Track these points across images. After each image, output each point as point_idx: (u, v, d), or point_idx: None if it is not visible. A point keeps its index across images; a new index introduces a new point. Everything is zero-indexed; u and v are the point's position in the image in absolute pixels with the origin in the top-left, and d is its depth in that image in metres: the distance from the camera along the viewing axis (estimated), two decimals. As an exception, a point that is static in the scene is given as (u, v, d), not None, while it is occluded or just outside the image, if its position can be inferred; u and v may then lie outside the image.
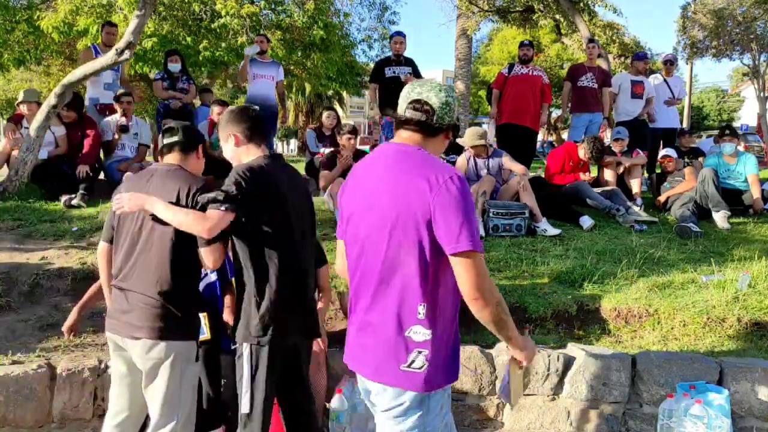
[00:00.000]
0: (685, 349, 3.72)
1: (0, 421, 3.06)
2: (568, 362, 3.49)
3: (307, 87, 24.13)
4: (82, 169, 5.75)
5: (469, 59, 14.88)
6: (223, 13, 10.88)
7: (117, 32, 7.10)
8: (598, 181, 6.48)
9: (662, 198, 6.28)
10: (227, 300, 3.10)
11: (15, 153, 5.80)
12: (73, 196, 5.52)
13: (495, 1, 12.28)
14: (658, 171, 6.83)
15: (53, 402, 3.16)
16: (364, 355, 1.86)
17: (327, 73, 13.83)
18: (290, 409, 2.67)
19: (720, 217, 5.62)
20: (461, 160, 5.86)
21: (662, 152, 6.72)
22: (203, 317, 2.81)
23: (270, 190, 2.41)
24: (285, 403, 2.67)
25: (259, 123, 2.52)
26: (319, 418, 3.29)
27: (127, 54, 5.57)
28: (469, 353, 3.52)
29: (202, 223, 2.30)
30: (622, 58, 11.95)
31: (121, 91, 6.53)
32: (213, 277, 3.13)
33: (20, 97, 6.18)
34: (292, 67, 13.56)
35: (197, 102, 7.97)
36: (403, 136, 1.91)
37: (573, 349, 3.59)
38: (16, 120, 6.05)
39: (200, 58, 11.44)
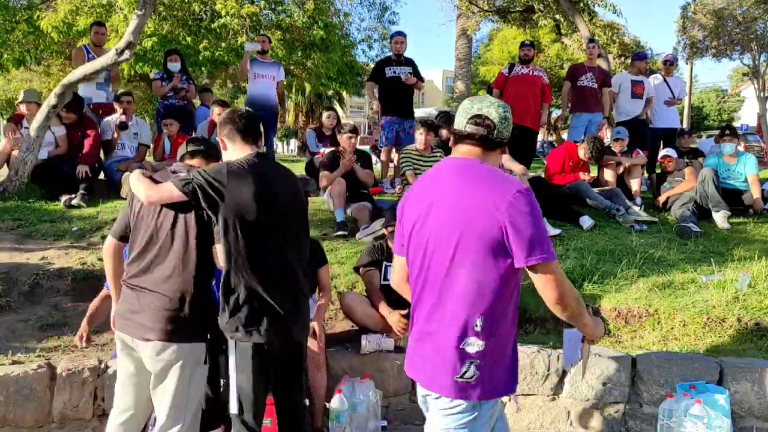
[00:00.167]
0: (685, 349, 3.72)
1: (0, 421, 3.06)
2: (568, 362, 3.49)
3: (307, 87, 24.12)
4: (82, 169, 5.75)
5: (469, 59, 14.89)
6: (223, 13, 10.89)
7: (106, 32, 7.11)
8: (598, 181, 6.48)
9: (662, 198, 6.28)
10: None
11: (15, 153, 5.81)
12: (73, 196, 5.53)
13: (495, 1, 12.29)
14: (658, 171, 6.83)
15: (53, 402, 3.16)
16: (422, 364, 1.92)
17: (327, 73, 13.84)
18: (284, 408, 2.67)
19: (720, 217, 5.62)
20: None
21: (662, 152, 6.72)
22: None
23: (250, 187, 2.38)
24: (279, 403, 2.67)
25: (245, 123, 2.52)
26: (319, 418, 3.30)
27: (127, 54, 5.57)
28: (469, 353, 3.52)
29: (149, 191, 2.44)
30: (622, 58, 11.96)
31: (121, 90, 6.54)
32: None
33: (20, 97, 6.18)
34: (292, 67, 13.56)
35: (197, 102, 7.97)
36: (462, 150, 1.96)
37: (573, 349, 3.58)
38: (16, 120, 6.05)
39: (200, 58, 11.44)
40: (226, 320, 2.40)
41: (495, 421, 1.99)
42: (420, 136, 5.85)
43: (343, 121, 7.43)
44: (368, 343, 3.49)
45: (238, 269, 2.38)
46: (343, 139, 5.58)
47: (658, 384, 3.39)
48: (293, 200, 2.56)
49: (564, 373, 3.49)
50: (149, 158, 6.73)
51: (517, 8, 12.21)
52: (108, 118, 6.42)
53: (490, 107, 1.92)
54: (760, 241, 5.29)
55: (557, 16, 11.83)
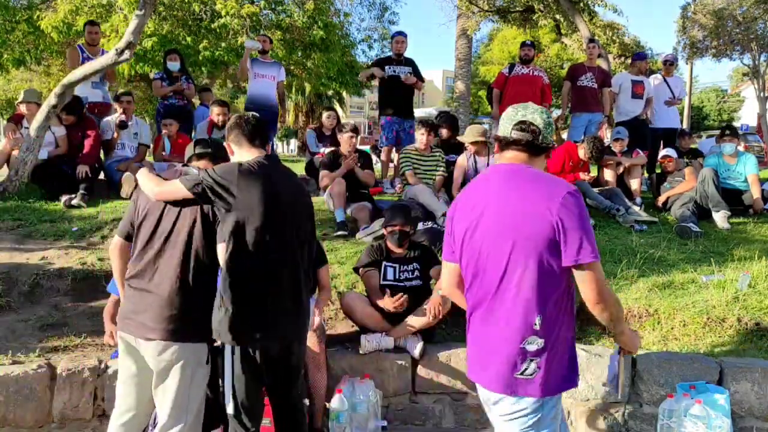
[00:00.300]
0: (685, 349, 3.72)
1: (0, 421, 3.06)
2: (568, 362, 3.49)
3: (307, 87, 24.11)
4: (83, 170, 5.74)
5: (469, 59, 14.86)
6: (223, 13, 10.89)
7: (99, 31, 7.11)
8: (598, 181, 6.48)
9: (662, 198, 6.28)
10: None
11: (15, 153, 5.80)
12: (73, 196, 5.52)
13: (495, 1, 12.28)
14: (658, 171, 6.83)
15: (53, 402, 3.16)
16: (483, 367, 1.96)
17: (327, 73, 13.84)
18: (282, 409, 2.66)
19: (720, 217, 5.62)
20: (461, 159, 5.86)
21: (662, 152, 6.72)
22: None
23: (259, 188, 2.39)
24: (276, 404, 2.66)
25: (251, 128, 2.55)
26: (319, 418, 3.30)
27: (127, 54, 5.56)
28: (469, 353, 3.52)
29: (156, 187, 2.47)
30: (622, 58, 11.95)
31: (121, 90, 6.53)
32: None
33: (20, 97, 6.18)
34: (292, 67, 13.56)
35: (196, 101, 7.97)
36: (509, 156, 2.02)
37: (573, 349, 3.58)
38: (17, 120, 6.05)
39: (200, 58, 11.45)
40: (221, 320, 2.38)
41: (559, 421, 2.01)
42: (422, 136, 5.85)
43: (343, 121, 7.42)
44: (368, 342, 3.49)
45: (240, 269, 2.37)
46: (344, 138, 5.57)
47: (658, 384, 3.39)
48: (297, 202, 2.56)
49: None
50: (149, 158, 6.73)
51: (517, 8, 12.20)
52: (108, 118, 6.42)
53: (535, 113, 2.00)
54: (760, 241, 5.29)
55: (557, 16, 11.82)
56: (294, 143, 36.19)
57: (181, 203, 2.45)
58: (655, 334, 3.89)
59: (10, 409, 3.08)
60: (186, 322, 2.39)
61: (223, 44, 11.38)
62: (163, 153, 6.45)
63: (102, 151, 6.30)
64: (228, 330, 2.37)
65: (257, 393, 2.49)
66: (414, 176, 5.81)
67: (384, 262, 3.73)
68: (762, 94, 18.25)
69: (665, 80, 7.62)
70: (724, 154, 6.24)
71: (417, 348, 3.48)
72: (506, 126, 2.01)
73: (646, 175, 7.25)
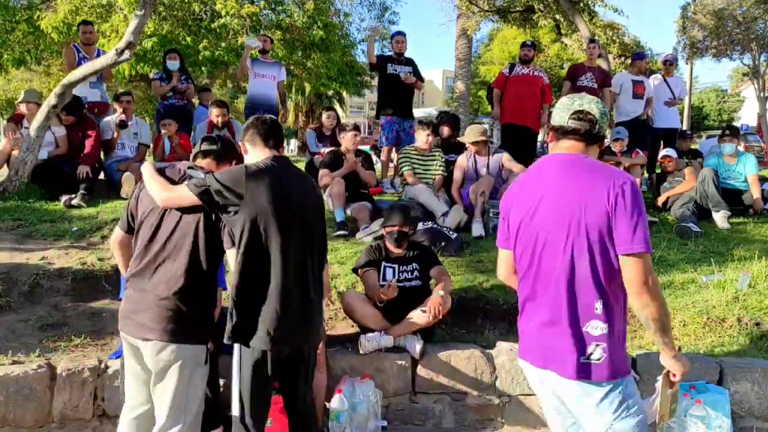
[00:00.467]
0: (685, 349, 3.72)
1: (0, 421, 3.06)
2: (568, 362, 3.49)
3: (307, 87, 24.10)
4: (83, 170, 5.74)
5: (469, 59, 14.86)
6: (223, 13, 10.89)
7: (93, 30, 7.10)
8: (598, 181, 6.47)
9: (662, 198, 6.28)
10: None
11: (15, 153, 5.80)
12: (73, 196, 5.52)
13: (495, 1, 12.27)
14: (658, 171, 6.82)
15: (53, 402, 3.16)
16: (548, 352, 1.97)
17: (327, 73, 13.84)
18: (292, 412, 2.66)
19: (720, 217, 5.62)
20: (461, 159, 5.86)
21: (662, 152, 6.71)
22: None
23: (267, 189, 2.38)
24: (287, 407, 2.66)
25: (267, 128, 2.58)
26: (319, 418, 3.29)
27: (127, 54, 5.56)
28: (469, 353, 3.52)
29: (163, 193, 2.44)
30: (622, 58, 11.95)
31: (121, 90, 6.53)
32: None
33: (20, 97, 6.18)
34: (292, 67, 13.56)
35: (196, 101, 7.97)
36: (565, 145, 2.05)
37: (573, 349, 3.58)
38: (17, 120, 6.05)
39: (200, 58, 11.44)
40: (234, 323, 2.39)
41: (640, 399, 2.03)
42: (424, 136, 5.85)
43: (343, 121, 7.42)
44: (368, 342, 3.49)
45: (249, 271, 2.38)
46: (347, 136, 5.56)
47: (658, 384, 3.39)
48: (307, 202, 2.55)
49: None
50: (149, 158, 6.73)
51: (517, 8, 12.20)
52: (107, 118, 6.42)
53: (591, 103, 2.03)
54: (760, 241, 5.29)
55: (557, 16, 11.81)
56: (294, 143, 36.17)
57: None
58: (655, 334, 3.88)
59: (10, 409, 3.07)
60: (184, 323, 2.38)
61: (223, 44, 11.38)
62: (164, 153, 6.45)
63: (102, 151, 6.30)
64: (235, 331, 2.38)
65: (264, 396, 2.49)
66: (413, 176, 5.81)
67: (383, 263, 3.73)
68: (762, 94, 18.26)
69: (665, 80, 7.62)
70: (724, 154, 6.24)
71: (417, 347, 3.48)
72: (562, 115, 2.03)
73: (646, 175, 7.25)
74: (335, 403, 3.24)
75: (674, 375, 2.03)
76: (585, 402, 1.93)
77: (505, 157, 5.82)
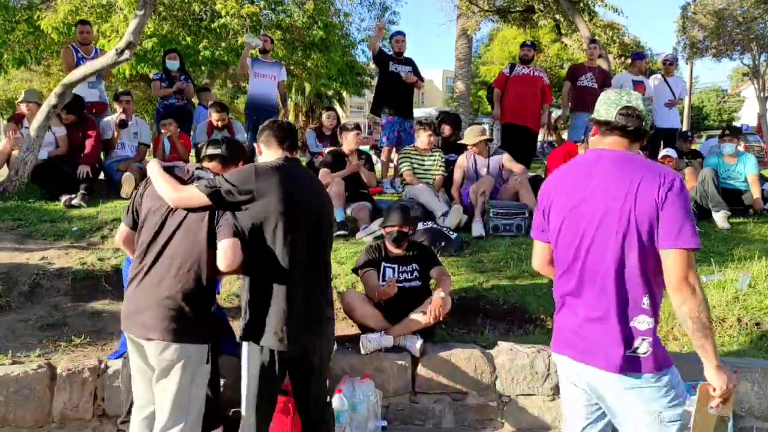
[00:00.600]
0: (685, 349, 3.72)
1: (0, 421, 3.06)
2: (568, 362, 3.49)
3: (307, 87, 24.06)
4: (84, 170, 5.75)
5: (469, 59, 14.87)
6: (223, 13, 10.89)
7: (91, 30, 7.10)
8: (598, 181, 6.47)
9: (662, 198, 6.27)
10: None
11: (15, 153, 5.80)
12: (73, 196, 5.52)
13: (495, 1, 12.28)
14: (658, 171, 6.81)
15: (53, 402, 3.16)
16: (592, 347, 1.96)
17: (327, 73, 13.83)
18: (304, 416, 2.67)
19: (720, 217, 5.62)
20: (461, 159, 5.86)
21: (662, 152, 6.71)
22: None
23: (277, 189, 2.41)
24: (299, 410, 2.68)
25: (282, 130, 2.65)
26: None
27: (127, 54, 5.56)
28: (469, 353, 3.52)
29: (174, 193, 2.43)
30: (622, 58, 11.95)
31: (120, 90, 6.53)
32: None
33: (21, 97, 6.18)
34: (292, 67, 13.55)
35: (195, 101, 7.97)
36: (610, 141, 2.04)
37: (573, 349, 3.58)
38: (17, 120, 6.05)
39: (200, 58, 11.44)
40: (246, 322, 2.42)
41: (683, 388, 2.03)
42: (425, 137, 5.86)
43: (343, 121, 7.43)
44: (369, 342, 3.49)
45: (259, 271, 2.40)
46: (350, 137, 5.57)
47: (658, 384, 3.39)
48: (314, 202, 2.56)
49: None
50: (149, 158, 6.72)
51: (517, 8, 12.20)
52: (107, 118, 6.43)
53: (638, 100, 2.02)
54: (760, 241, 5.29)
55: (557, 16, 11.81)
56: (294, 143, 36.14)
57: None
58: (655, 334, 3.89)
59: (10, 409, 3.07)
60: (187, 322, 2.38)
61: (223, 44, 11.38)
62: (164, 154, 6.46)
63: (102, 151, 6.30)
64: (246, 329, 2.42)
65: (270, 397, 2.49)
66: (413, 176, 5.82)
67: (383, 263, 3.73)
68: (762, 94, 18.26)
69: (665, 80, 7.62)
70: (724, 154, 6.24)
71: (417, 346, 3.48)
72: (609, 110, 2.02)
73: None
74: (335, 403, 3.24)
75: (714, 389, 1.87)
76: (630, 395, 1.93)
77: (506, 158, 5.82)
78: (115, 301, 4.08)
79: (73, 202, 5.47)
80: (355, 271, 3.87)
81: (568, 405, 2.19)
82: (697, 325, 1.83)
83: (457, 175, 5.79)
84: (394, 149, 7.25)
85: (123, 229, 2.69)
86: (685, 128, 12.26)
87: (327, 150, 6.28)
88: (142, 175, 6.01)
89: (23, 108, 6.01)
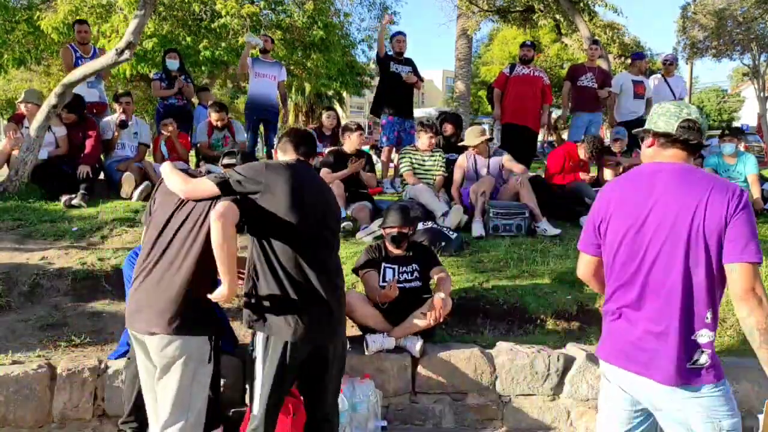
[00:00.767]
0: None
1: (0, 421, 3.06)
2: (568, 362, 3.49)
3: (307, 87, 24.08)
4: (84, 170, 5.74)
5: (469, 59, 14.87)
6: (223, 13, 10.89)
7: (89, 30, 7.10)
8: (598, 181, 6.48)
9: (662, 198, 6.27)
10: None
11: (15, 153, 5.80)
12: (73, 196, 5.52)
13: (495, 1, 12.29)
14: (658, 171, 6.81)
15: (53, 402, 3.16)
16: (651, 361, 1.96)
17: (327, 73, 13.84)
18: (310, 419, 2.67)
19: (720, 217, 5.62)
20: (461, 159, 5.86)
21: (662, 152, 6.70)
22: None
23: (285, 184, 2.44)
24: (307, 411, 2.67)
25: (299, 138, 2.72)
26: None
27: (127, 54, 5.56)
28: (469, 353, 3.52)
29: (184, 185, 2.48)
30: (622, 58, 11.96)
31: (120, 90, 6.53)
32: None
33: (21, 97, 6.19)
34: (292, 67, 13.56)
35: (195, 101, 7.97)
36: (668, 153, 2.05)
37: (573, 349, 3.58)
38: (17, 120, 6.05)
39: (200, 58, 11.45)
40: (258, 318, 2.44)
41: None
42: (426, 138, 5.86)
43: (343, 121, 7.43)
44: (373, 342, 3.49)
45: (266, 264, 2.42)
46: (354, 136, 5.61)
47: (658, 384, 3.39)
48: (319, 202, 2.57)
49: (564, 373, 3.49)
50: (149, 158, 6.73)
51: (517, 8, 12.21)
52: (107, 118, 6.43)
53: (697, 112, 2.03)
54: (759, 241, 5.28)
55: (557, 16, 11.83)
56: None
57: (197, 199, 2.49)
58: (655, 334, 3.89)
59: (10, 409, 3.07)
60: (189, 319, 2.39)
61: (223, 44, 11.38)
62: (163, 155, 6.46)
63: (101, 151, 6.30)
64: (256, 323, 2.44)
65: (282, 392, 2.50)
66: (413, 176, 5.82)
67: (383, 263, 3.72)
68: (762, 94, 18.27)
69: (666, 80, 7.61)
70: (723, 154, 6.24)
71: (417, 346, 3.48)
72: (669, 122, 2.02)
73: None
74: (335, 403, 3.24)
75: None
76: (690, 405, 1.93)
77: (506, 158, 5.82)
78: (115, 301, 4.08)
79: (73, 202, 5.47)
80: (355, 271, 3.87)
81: (609, 408, 2.17)
82: (764, 336, 1.83)
83: (457, 175, 5.79)
84: (394, 149, 7.26)
85: (144, 229, 2.70)
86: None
87: (327, 150, 6.28)
88: (142, 175, 6.02)
89: (23, 108, 6.01)
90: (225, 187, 2.41)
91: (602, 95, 7.40)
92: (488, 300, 4.15)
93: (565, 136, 12.47)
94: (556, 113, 16.08)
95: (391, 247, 3.77)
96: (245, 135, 7.02)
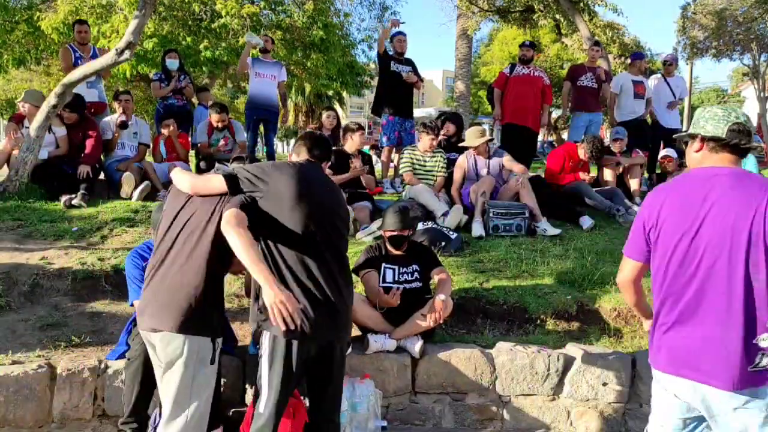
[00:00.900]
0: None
1: (0, 421, 3.06)
2: (568, 362, 3.49)
3: (307, 87, 24.11)
4: (84, 170, 5.75)
5: (469, 59, 14.87)
6: (223, 13, 10.89)
7: (88, 30, 7.10)
8: (598, 181, 6.48)
9: (662, 198, 6.27)
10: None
11: (15, 153, 5.80)
12: (73, 196, 5.52)
13: (495, 1, 12.30)
14: (659, 171, 6.82)
15: (53, 402, 3.16)
16: (711, 368, 1.96)
17: (327, 73, 13.83)
18: (312, 417, 2.67)
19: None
20: (461, 159, 5.86)
21: (662, 152, 6.72)
22: None
23: (290, 182, 2.45)
24: (310, 413, 2.67)
25: (314, 141, 2.75)
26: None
27: (127, 54, 5.56)
28: (469, 353, 3.52)
29: (192, 180, 2.54)
30: (622, 58, 11.96)
31: (120, 90, 6.53)
32: None
33: (21, 97, 6.19)
34: (292, 67, 13.56)
35: (195, 101, 7.97)
36: (718, 157, 2.05)
37: (573, 349, 3.58)
38: (17, 120, 6.05)
39: (200, 58, 11.45)
40: (258, 309, 2.45)
41: None
42: (428, 141, 5.86)
43: (343, 121, 7.44)
44: (374, 342, 3.49)
45: (274, 265, 2.42)
46: (355, 136, 5.64)
47: (658, 384, 3.39)
48: (325, 202, 2.57)
49: (564, 373, 3.49)
50: (149, 158, 6.73)
51: (517, 8, 12.22)
52: (107, 118, 6.43)
53: (744, 116, 2.05)
54: None
55: (557, 16, 11.83)
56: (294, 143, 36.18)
57: (204, 197, 2.51)
58: (655, 334, 3.89)
59: (10, 409, 3.07)
60: (194, 317, 2.40)
61: (223, 44, 11.38)
62: (162, 155, 6.47)
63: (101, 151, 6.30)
64: (264, 322, 2.44)
65: (285, 392, 2.49)
66: (412, 176, 5.82)
67: (383, 264, 3.71)
68: (762, 94, 18.27)
69: (666, 80, 7.61)
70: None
71: (417, 347, 3.48)
72: (718, 126, 2.02)
73: (646, 175, 7.26)
74: (335, 403, 3.24)
75: None
76: (750, 408, 1.94)
77: (506, 159, 5.82)
78: (116, 301, 4.08)
79: (73, 202, 5.47)
80: (355, 271, 3.85)
81: (662, 415, 2.16)
82: None
83: (458, 175, 5.79)
84: (394, 149, 7.26)
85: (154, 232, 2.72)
86: (685, 128, 12.25)
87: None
88: (142, 176, 6.02)
89: (23, 108, 6.01)
90: (232, 182, 2.43)
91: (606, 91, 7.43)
92: (488, 300, 4.15)
93: (565, 136, 12.47)
94: (556, 113, 16.09)
95: (390, 248, 3.77)
96: (245, 135, 7.01)
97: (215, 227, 2.43)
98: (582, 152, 6.17)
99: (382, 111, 7.16)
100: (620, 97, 7.41)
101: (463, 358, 3.51)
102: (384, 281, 3.66)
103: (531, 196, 5.41)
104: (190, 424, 2.41)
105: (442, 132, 6.62)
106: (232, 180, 2.44)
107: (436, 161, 5.93)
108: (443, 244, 4.76)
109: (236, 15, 10.84)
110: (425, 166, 5.91)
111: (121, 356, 3.19)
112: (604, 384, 3.42)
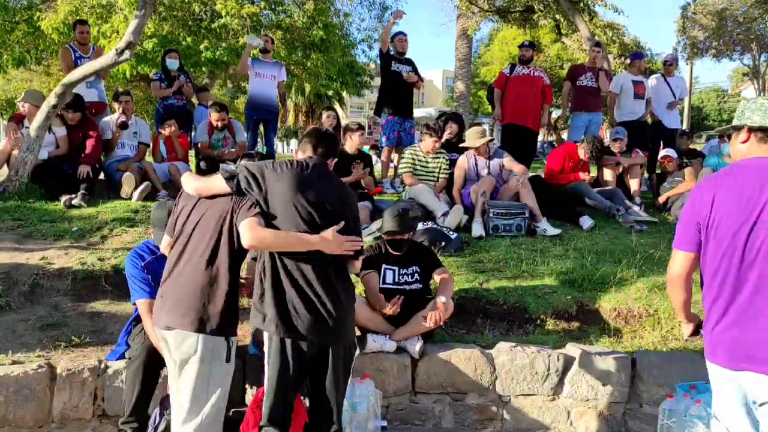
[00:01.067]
0: (685, 349, 3.72)
1: (0, 421, 3.06)
2: (568, 362, 3.49)
3: (307, 87, 24.10)
4: (84, 170, 5.75)
5: (469, 59, 14.87)
6: (223, 13, 10.89)
7: (89, 30, 7.10)
8: (598, 181, 6.48)
9: (662, 198, 6.28)
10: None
11: (15, 153, 5.80)
12: (73, 196, 5.52)
13: (495, 1, 12.30)
14: (658, 171, 6.82)
15: (53, 402, 3.16)
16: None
17: (327, 73, 13.84)
18: (314, 418, 2.67)
19: (720, 217, 5.61)
20: (462, 159, 5.86)
21: (662, 152, 6.71)
22: None
23: (286, 182, 2.46)
24: (309, 412, 2.69)
25: (319, 138, 2.73)
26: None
27: (127, 54, 5.56)
28: (469, 353, 3.52)
29: (196, 182, 2.59)
30: (622, 58, 11.97)
31: (120, 90, 6.53)
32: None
33: (21, 96, 6.19)
34: (292, 67, 13.56)
35: (195, 101, 7.97)
36: (766, 147, 2.07)
37: (573, 349, 3.58)
38: (17, 120, 6.05)
39: (201, 59, 11.45)
40: (257, 309, 2.47)
41: None
42: (431, 143, 5.86)
43: (343, 121, 7.44)
44: (374, 342, 3.48)
45: (272, 266, 2.45)
46: (356, 136, 5.66)
47: (658, 384, 3.39)
48: (326, 202, 2.55)
49: (564, 373, 3.49)
50: (149, 158, 6.73)
51: (517, 8, 12.22)
52: (107, 118, 6.43)
53: None
54: None
55: (557, 16, 11.84)
56: (294, 143, 36.19)
57: (213, 197, 2.53)
58: (655, 334, 3.89)
59: (10, 409, 3.07)
60: (207, 316, 2.41)
61: (223, 44, 11.38)
62: (162, 155, 6.47)
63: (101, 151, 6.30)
64: (262, 321, 2.47)
65: (285, 391, 2.51)
66: (411, 177, 5.81)
67: (383, 265, 3.70)
68: (762, 94, 18.26)
69: (666, 80, 7.60)
70: (723, 154, 6.24)
71: (416, 347, 3.48)
72: (767, 116, 2.04)
73: (646, 175, 7.26)
74: (335, 403, 3.24)
75: None
76: None
77: (506, 159, 5.82)
78: (116, 301, 4.08)
79: (73, 202, 5.47)
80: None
81: (733, 416, 2.10)
82: None
83: (458, 175, 5.79)
84: (393, 149, 7.26)
85: (167, 240, 2.70)
86: (684, 128, 12.26)
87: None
88: (142, 176, 6.02)
89: (22, 108, 6.01)
90: (233, 183, 2.45)
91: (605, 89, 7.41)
92: (488, 300, 4.15)
93: (565, 136, 12.47)
94: (556, 113, 16.09)
95: (390, 249, 3.76)
96: (245, 135, 7.01)
97: (228, 227, 2.46)
98: (582, 152, 6.17)
99: (384, 111, 7.16)
100: (620, 97, 7.40)
101: (463, 358, 3.51)
102: (384, 282, 3.65)
103: (531, 196, 5.41)
104: (207, 419, 2.42)
105: (446, 132, 6.63)
106: (231, 179, 2.45)
107: (439, 162, 5.92)
108: (443, 244, 4.76)
109: (236, 15, 10.84)
110: (427, 166, 5.91)
111: (121, 357, 3.19)
112: (604, 384, 3.42)
